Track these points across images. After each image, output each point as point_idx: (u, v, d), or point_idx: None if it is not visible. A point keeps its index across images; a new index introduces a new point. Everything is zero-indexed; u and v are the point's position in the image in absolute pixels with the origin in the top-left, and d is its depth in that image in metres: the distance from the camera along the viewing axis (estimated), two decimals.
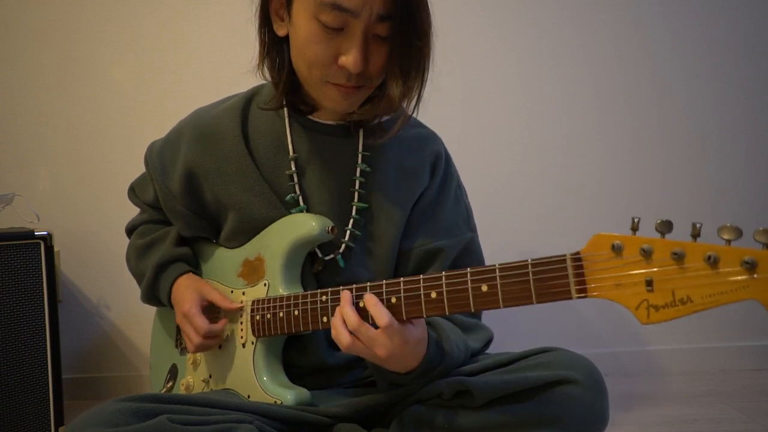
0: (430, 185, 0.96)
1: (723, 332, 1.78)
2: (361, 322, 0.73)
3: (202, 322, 0.90)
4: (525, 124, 1.76)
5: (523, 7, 1.74)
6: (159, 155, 1.00)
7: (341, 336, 0.74)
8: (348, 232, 0.91)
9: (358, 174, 0.92)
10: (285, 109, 0.93)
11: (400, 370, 0.78)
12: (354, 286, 0.78)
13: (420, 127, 1.00)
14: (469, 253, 0.97)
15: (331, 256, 0.90)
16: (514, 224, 1.76)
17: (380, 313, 0.72)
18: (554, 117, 1.76)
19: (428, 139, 0.99)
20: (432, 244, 0.93)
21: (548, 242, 1.77)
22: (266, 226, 0.92)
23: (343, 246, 0.91)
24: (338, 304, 0.78)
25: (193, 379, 0.97)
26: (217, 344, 0.93)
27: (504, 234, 1.75)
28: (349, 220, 0.91)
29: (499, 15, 1.74)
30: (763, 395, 1.57)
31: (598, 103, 1.76)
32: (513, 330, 1.57)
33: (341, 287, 0.79)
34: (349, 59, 0.78)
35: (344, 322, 0.74)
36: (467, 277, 0.69)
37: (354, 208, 0.91)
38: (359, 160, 0.92)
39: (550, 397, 0.77)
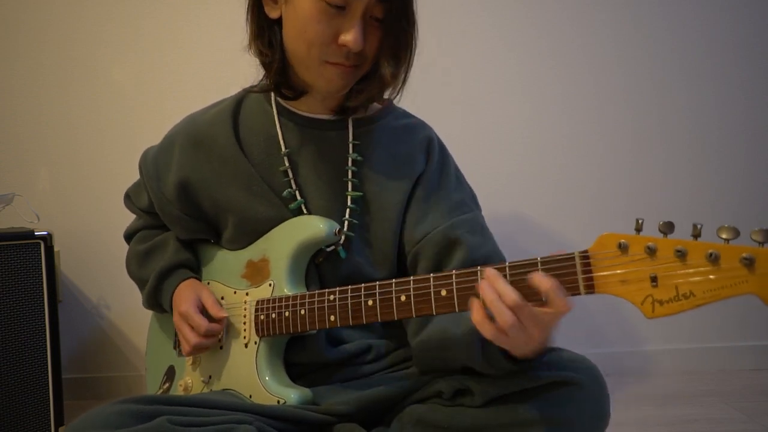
0: (427, 169, 0.96)
1: (723, 332, 1.78)
2: (524, 300, 0.65)
3: (201, 321, 0.90)
4: (525, 124, 1.76)
5: (523, 7, 1.74)
6: (153, 162, 1.00)
7: (504, 314, 0.64)
8: (346, 222, 0.91)
9: (350, 164, 0.93)
10: (274, 106, 0.95)
11: (529, 353, 0.72)
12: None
13: (409, 117, 1.01)
14: (484, 234, 0.94)
15: (332, 247, 0.91)
16: (514, 224, 1.76)
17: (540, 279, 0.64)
18: (554, 117, 1.76)
19: (417, 126, 1.00)
20: (447, 222, 0.91)
21: (548, 242, 1.77)
22: (267, 225, 0.92)
23: (343, 237, 0.91)
24: (345, 303, 0.78)
25: (192, 380, 0.97)
26: (210, 346, 0.93)
27: (504, 234, 1.75)
28: (346, 210, 0.92)
29: (499, 15, 1.74)
30: (763, 395, 1.57)
31: (598, 103, 1.76)
32: None
33: (349, 286, 0.79)
34: (349, 37, 0.81)
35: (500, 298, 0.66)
36: (477, 275, 0.69)
37: (349, 198, 0.92)
38: (350, 150, 0.93)
39: (551, 397, 0.76)
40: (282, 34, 0.87)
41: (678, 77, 1.75)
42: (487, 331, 0.67)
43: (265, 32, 0.88)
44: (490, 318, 0.67)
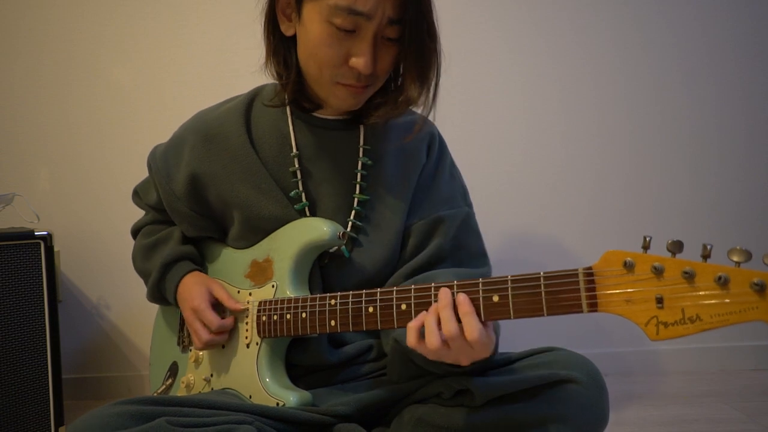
0: (428, 162, 0.98)
1: (723, 332, 1.78)
2: (460, 335, 0.67)
3: (213, 317, 0.91)
4: (525, 124, 1.76)
5: (523, 8, 1.74)
6: (162, 158, 1.01)
7: (433, 339, 0.68)
8: (350, 223, 0.92)
9: (360, 167, 0.94)
10: (287, 107, 0.95)
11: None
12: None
13: (412, 114, 1.01)
14: (468, 230, 0.97)
15: (336, 248, 0.91)
16: (514, 224, 1.76)
17: (473, 326, 0.67)
18: (554, 117, 1.76)
19: (419, 122, 1.00)
20: (431, 216, 0.94)
21: (548, 242, 1.77)
22: (272, 224, 0.93)
23: (347, 237, 0.92)
24: (346, 308, 0.78)
25: (194, 377, 0.97)
26: (221, 342, 0.93)
27: (503, 234, 1.75)
28: (352, 211, 0.93)
29: (500, 15, 1.74)
30: (763, 395, 1.57)
31: (598, 103, 1.76)
32: (513, 330, 1.57)
33: (351, 292, 0.79)
34: (360, 61, 0.81)
35: (438, 323, 0.68)
36: (479, 286, 0.69)
37: (356, 200, 0.93)
38: (361, 154, 0.94)
39: (550, 396, 0.77)
40: (297, 52, 0.88)
41: (678, 77, 1.75)
42: (412, 341, 0.70)
43: (281, 50, 0.89)
44: (421, 335, 0.70)
